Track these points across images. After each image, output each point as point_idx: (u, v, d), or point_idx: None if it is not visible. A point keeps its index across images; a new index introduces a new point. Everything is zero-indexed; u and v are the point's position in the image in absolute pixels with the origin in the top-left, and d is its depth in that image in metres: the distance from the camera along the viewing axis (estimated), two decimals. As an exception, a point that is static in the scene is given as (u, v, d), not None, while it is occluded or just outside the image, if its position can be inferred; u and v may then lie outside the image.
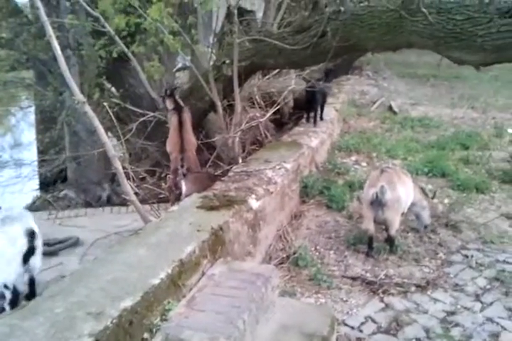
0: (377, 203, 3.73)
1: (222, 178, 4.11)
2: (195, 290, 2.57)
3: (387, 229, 3.97)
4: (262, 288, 2.58)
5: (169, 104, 5.38)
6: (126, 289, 2.23)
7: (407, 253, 3.97)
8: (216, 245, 2.92)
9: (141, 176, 6.84)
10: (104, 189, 6.43)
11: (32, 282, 3.43)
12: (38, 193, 7.77)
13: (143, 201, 6.30)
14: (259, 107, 7.26)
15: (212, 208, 3.26)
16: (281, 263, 3.70)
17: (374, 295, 3.39)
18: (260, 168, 4.29)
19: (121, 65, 6.37)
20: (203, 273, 2.73)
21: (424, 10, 3.50)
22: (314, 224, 4.38)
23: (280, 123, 7.53)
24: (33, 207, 7.17)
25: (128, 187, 3.93)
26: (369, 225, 3.89)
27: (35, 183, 7.80)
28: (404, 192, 3.90)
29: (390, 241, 3.99)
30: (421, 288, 3.52)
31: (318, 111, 6.25)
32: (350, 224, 4.41)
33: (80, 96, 3.63)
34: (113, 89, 7.25)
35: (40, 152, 8.19)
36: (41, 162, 7.59)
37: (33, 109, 8.88)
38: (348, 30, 4.35)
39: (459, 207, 4.86)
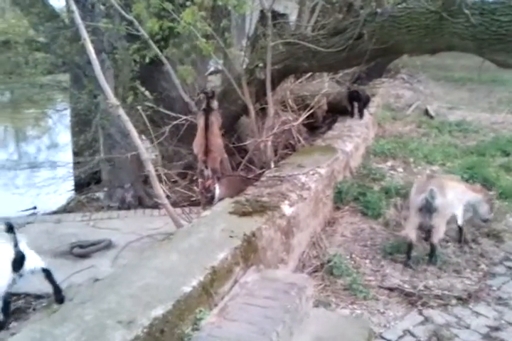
0: (427, 209, 3.61)
1: (255, 183, 4.04)
2: (227, 298, 2.50)
3: (429, 237, 3.83)
4: (296, 299, 2.49)
5: (202, 106, 5.38)
6: (157, 297, 2.18)
7: (447, 263, 3.80)
8: (249, 252, 2.85)
9: (173, 179, 6.88)
10: (129, 191, 6.44)
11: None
12: (72, 194, 7.92)
13: (175, 204, 6.32)
14: (292, 111, 7.16)
15: (244, 214, 3.19)
16: (315, 271, 3.59)
17: (412, 308, 3.24)
18: (293, 173, 4.20)
19: (155, 69, 6.40)
20: (236, 281, 2.66)
21: (466, 11, 3.34)
22: (349, 231, 4.26)
23: (313, 127, 7.40)
24: (67, 208, 7.31)
25: (160, 191, 3.91)
26: (411, 232, 3.77)
27: (70, 184, 7.92)
28: (453, 198, 3.80)
29: (431, 249, 3.83)
30: (462, 300, 3.34)
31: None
32: (387, 232, 4.26)
33: (113, 100, 3.63)
34: (147, 93, 7.31)
35: (75, 154, 8.35)
36: (76, 164, 7.71)
37: (68, 111, 9.05)
38: (385, 32, 4.22)
39: (502, 215, 4.65)
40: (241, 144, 5.95)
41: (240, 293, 2.55)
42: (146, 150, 8.32)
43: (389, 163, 6.02)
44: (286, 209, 3.53)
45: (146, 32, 5.30)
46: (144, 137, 8.30)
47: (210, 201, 5.18)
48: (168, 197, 4.55)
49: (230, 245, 2.73)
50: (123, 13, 5.21)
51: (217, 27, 6.08)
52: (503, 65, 3.54)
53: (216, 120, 5.17)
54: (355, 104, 7.06)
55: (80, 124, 7.96)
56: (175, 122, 5.89)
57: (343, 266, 3.58)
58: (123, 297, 2.18)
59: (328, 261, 3.63)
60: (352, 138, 5.80)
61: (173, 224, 4.09)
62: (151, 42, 5.30)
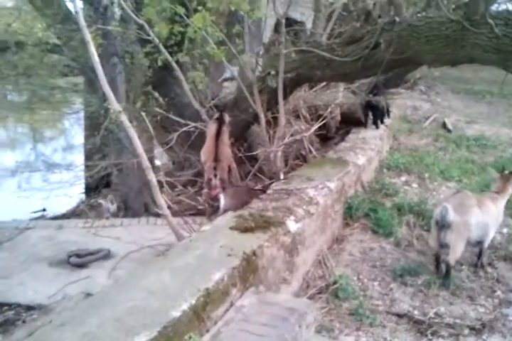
0: (440, 224, 3.48)
1: (261, 196, 3.85)
2: (221, 323, 2.31)
3: (441, 256, 3.61)
4: (295, 326, 2.30)
5: (215, 115, 5.33)
6: (143, 321, 2.01)
7: (460, 289, 3.57)
8: (247, 272, 2.67)
9: (177, 189, 6.76)
10: (135, 197, 6.33)
11: None
12: (83, 198, 7.85)
13: (179, 213, 6.18)
14: (305, 120, 6.99)
15: (246, 229, 3.01)
16: (319, 293, 3.39)
17: (422, 337, 3.02)
18: (302, 187, 4.01)
19: (168, 74, 6.29)
20: (232, 304, 2.48)
21: (490, 21, 3.14)
22: (358, 250, 4.04)
23: (325, 138, 7.21)
24: (76, 211, 7.22)
25: (161, 201, 3.75)
26: (434, 245, 3.66)
27: (81, 187, 7.86)
28: (480, 218, 3.61)
29: (446, 270, 3.63)
30: (475, 331, 3.11)
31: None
32: (398, 252, 4.04)
33: (115, 106, 3.49)
34: (159, 98, 7.22)
35: (86, 157, 8.31)
36: (87, 167, 7.67)
37: (82, 114, 9.04)
38: (404, 42, 4.02)
39: (520, 238, 4.41)
40: (250, 154, 5.76)
41: (235, 317, 2.37)
42: (158, 155, 8.32)
43: (403, 178, 5.80)
44: (292, 225, 3.34)
45: (157, 36, 5.20)
46: (155, 142, 8.26)
47: (215, 211, 5.06)
48: (169, 207, 4.39)
49: (228, 264, 2.56)
50: (133, 16, 5.11)
51: (231, 33, 5.97)
52: (528, 79, 3.32)
53: (227, 130, 5.09)
54: (370, 115, 6.92)
55: (92, 128, 7.92)
56: (183, 129, 5.75)
57: (349, 288, 3.37)
58: (106, 320, 2.01)
59: (334, 282, 3.42)
60: (365, 151, 5.59)
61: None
62: (161, 46, 5.18)
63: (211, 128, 5.18)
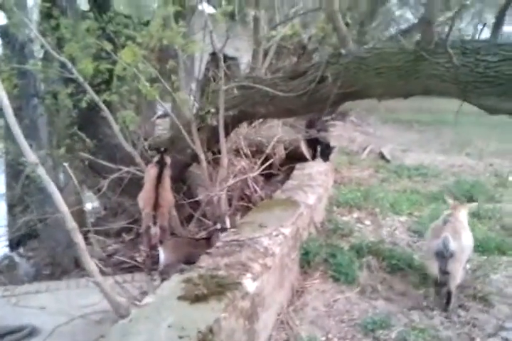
0: (442, 254, 3.49)
1: (210, 250, 3.38)
2: None
3: (446, 284, 3.60)
4: None
5: (154, 158, 4.91)
6: None
7: (436, 339, 3.23)
8: (204, 356, 2.17)
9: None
10: (63, 253, 5.66)
11: None
12: (7, 252, 6.99)
13: (113, 268, 5.54)
14: (246, 156, 6.66)
15: (198, 299, 2.52)
16: (287, 362, 2.93)
17: None
18: (254, 236, 3.58)
19: (96, 114, 5.78)
20: None
21: (449, 50, 2.96)
22: (321, 302, 3.62)
23: (269, 175, 6.90)
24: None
25: (92, 266, 3.16)
26: (434, 273, 3.66)
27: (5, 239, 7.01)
28: (468, 241, 3.74)
29: (447, 297, 3.62)
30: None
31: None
32: (364, 302, 3.66)
33: (31, 158, 2.94)
34: (87, 140, 6.65)
35: (9, 206, 7.48)
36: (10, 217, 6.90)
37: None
38: (351, 75, 3.81)
39: (482, 273, 4.20)
40: (192, 200, 5.28)
41: None
42: (88, 199, 7.62)
43: (355, 215, 5.53)
44: (249, 284, 2.88)
45: (82, 75, 4.72)
46: (85, 187, 7.57)
47: (155, 263, 4.53)
48: (102, 271, 3.81)
49: (181, 350, 2.05)
50: (53, 53, 4.61)
51: (163, 70, 5.59)
52: (492, 110, 3.13)
53: (168, 175, 4.69)
54: (318, 149, 6.80)
55: (13, 176, 7.16)
56: (115, 175, 5.22)
57: (319, 353, 2.93)
58: None
59: (302, 347, 2.98)
60: (314, 189, 5.29)
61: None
62: (86, 85, 4.69)
63: (151, 172, 4.74)
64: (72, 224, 3.09)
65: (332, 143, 7.29)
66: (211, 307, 2.45)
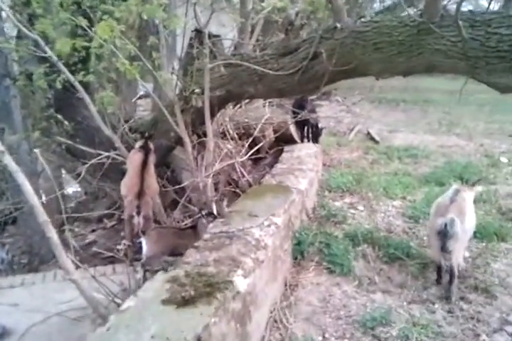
0: (444, 234, 3.43)
1: (197, 243, 3.11)
2: None
3: (449, 259, 3.54)
4: None
5: (138, 143, 4.59)
6: None
7: (440, 336, 3.04)
8: (193, 370, 1.92)
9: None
10: (39, 243, 5.37)
11: None
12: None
13: (93, 259, 5.25)
14: (233, 139, 6.35)
15: (185, 302, 2.26)
16: (282, 365, 2.71)
17: None
18: (245, 227, 3.32)
19: (73, 95, 5.41)
20: None
21: (460, 22, 2.66)
22: (316, 297, 3.40)
23: (257, 158, 6.61)
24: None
25: (68, 263, 2.88)
26: (437, 256, 3.64)
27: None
28: (472, 221, 3.75)
29: (449, 280, 3.54)
30: None
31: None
32: (361, 295, 3.45)
33: (-6, 145, 2.61)
34: (65, 122, 6.29)
35: (-15, 193, 7.13)
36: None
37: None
38: (348, 50, 3.51)
39: (483, 261, 4.02)
40: (177, 187, 4.96)
41: None
42: (68, 183, 7.27)
43: (347, 200, 5.30)
44: (240, 282, 2.63)
45: (57, 54, 4.33)
46: (64, 171, 7.23)
47: (137, 257, 4.26)
48: (81, 263, 3.54)
49: (165, 366, 1.80)
50: (25, 30, 4.21)
51: (144, 47, 5.22)
52: (505, 88, 2.87)
53: (153, 161, 4.38)
54: (306, 130, 6.53)
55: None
56: (94, 160, 4.88)
57: (317, 354, 2.72)
58: None
59: (297, 348, 2.76)
60: (305, 173, 5.03)
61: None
62: (60, 65, 4.31)
63: (135, 158, 4.41)
64: (43, 217, 2.80)
65: (320, 124, 7.03)
66: (199, 311, 2.20)
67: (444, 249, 3.48)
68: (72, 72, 4.63)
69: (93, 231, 6.64)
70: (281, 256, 3.50)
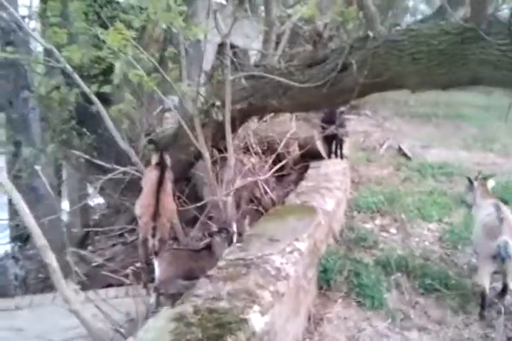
0: (502, 258, 3.22)
1: (210, 272, 2.81)
2: None
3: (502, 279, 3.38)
4: None
5: (153, 159, 4.31)
6: None
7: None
8: None
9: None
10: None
11: None
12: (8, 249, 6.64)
13: (106, 278, 5.01)
14: (256, 154, 6.07)
15: (191, 347, 1.96)
16: None
17: None
18: (264, 253, 3.01)
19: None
20: None
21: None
22: (343, 334, 3.04)
23: (281, 174, 6.30)
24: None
25: (67, 291, 2.62)
26: (484, 281, 3.34)
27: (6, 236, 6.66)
28: None
29: (503, 290, 3.39)
30: None
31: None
32: (395, 333, 3.07)
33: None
34: (87, 134, 6.17)
35: (9, 202, 7.14)
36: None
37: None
38: (381, 61, 3.20)
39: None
40: (196, 205, 4.68)
41: None
42: (93, 196, 7.16)
43: (377, 222, 4.92)
44: (257, 321, 2.31)
45: (76, 66, 4.20)
46: (88, 184, 7.14)
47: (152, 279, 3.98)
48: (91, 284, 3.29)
49: None
50: (39, 40, 4.07)
51: (165, 59, 5.05)
52: None
53: (170, 178, 4.11)
54: (333, 145, 6.23)
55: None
56: (110, 175, 4.68)
57: None
58: None
59: None
60: (332, 192, 4.70)
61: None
62: (75, 75, 4.14)
63: (150, 176, 4.15)
64: (41, 241, 2.55)
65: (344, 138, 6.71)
66: (207, 360, 1.89)
67: (498, 270, 3.32)
68: (92, 84, 4.49)
69: (113, 245, 6.48)
70: (304, 287, 3.17)
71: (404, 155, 9.07)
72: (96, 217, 8.00)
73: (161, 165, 4.18)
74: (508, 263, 3.23)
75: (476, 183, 4.10)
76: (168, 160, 4.28)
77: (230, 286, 2.58)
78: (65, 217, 6.12)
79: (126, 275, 4.83)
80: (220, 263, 2.93)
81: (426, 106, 14.90)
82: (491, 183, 4.14)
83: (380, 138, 10.77)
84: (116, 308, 3.35)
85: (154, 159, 4.31)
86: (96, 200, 7.78)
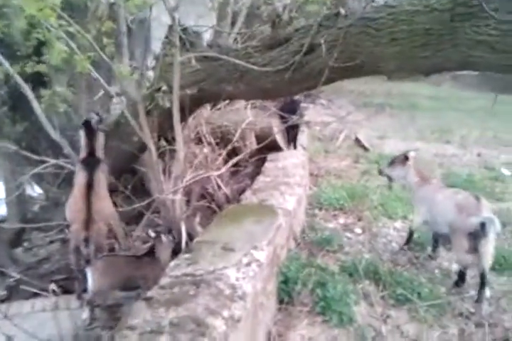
0: (480, 234, 3.21)
1: (149, 294, 2.31)
2: None
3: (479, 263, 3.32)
4: None
5: (82, 150, 3.71)
6: None
7: None
8: None
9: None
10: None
11: None
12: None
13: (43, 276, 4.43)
14: (208, 144, 5.55)
15: None
16: None
17: None
18: (217, 267, 2.54)
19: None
20: None
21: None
22: (308, 358, 2.64)
23: (235, 166, 5.81)
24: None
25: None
26: (464, 256, 3.38)
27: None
28: None
29: (481, 278, 3.31)
30: None
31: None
32: (366, 355, 2.70)
33: None
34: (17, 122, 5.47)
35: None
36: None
37: None
38: (354, 42, 2.76)
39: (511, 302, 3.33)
40: (141, 204, 4.10)
41: None
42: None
43: (341, 220, 4.55)
44: (207, 360, 1.85)
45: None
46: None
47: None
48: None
49: None
50: None
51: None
52: None
53: (104, 176, 3.51)
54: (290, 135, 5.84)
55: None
56: (38, 169, 4.07)
57: None
58: None
59: None
60: (292, 188, 4.26)
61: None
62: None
63: (79, 177, 3.55)
64: None
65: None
66: None
67: (474, 250, 3.27)
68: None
69: (51, 242, 5.85)
70: (263, 304, 2.72)
71: (362, 146, 8.84)
72: (36, 209, 7.33)
73: (90, 163, 3.58)
74: (483, 240, 3.20)
75: (410, 160, 4.06)
76: (100, 152, 3.68)
77: (173, 313, 2.11)
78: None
79: (64, 279, 4.28)
80: (163, 281, 2.43)
81: (379, 97, 14.86)
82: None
83: (336, 128, 10.51)
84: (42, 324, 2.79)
85: (82, 151, 3.70)
86: (38, 190, 7.13)
